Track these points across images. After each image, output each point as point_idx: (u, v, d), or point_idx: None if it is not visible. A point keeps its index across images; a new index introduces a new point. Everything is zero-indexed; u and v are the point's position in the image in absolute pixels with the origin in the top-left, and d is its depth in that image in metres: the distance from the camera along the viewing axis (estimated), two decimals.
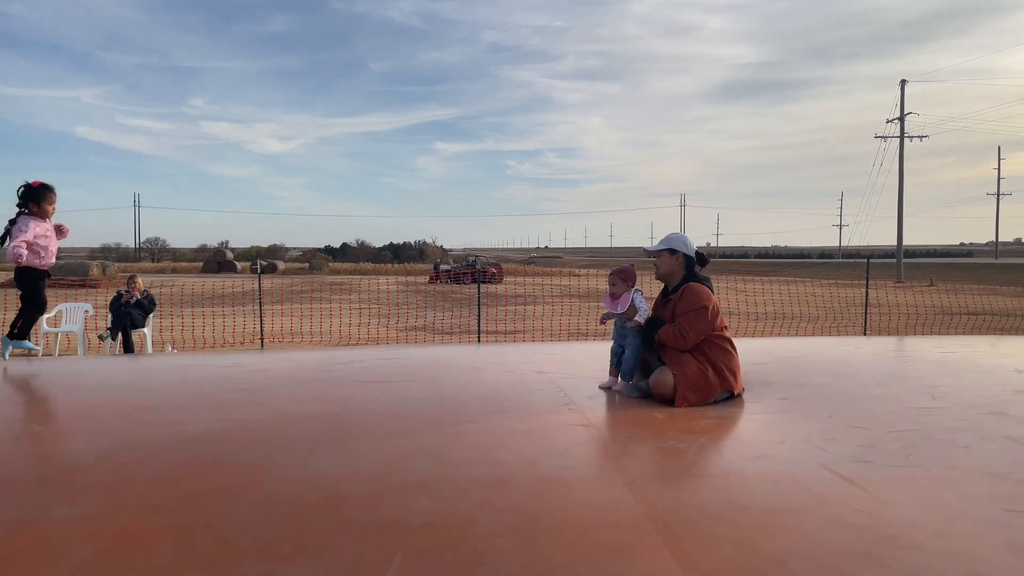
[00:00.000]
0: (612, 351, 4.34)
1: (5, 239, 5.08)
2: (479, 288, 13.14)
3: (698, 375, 3.87)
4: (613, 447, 3.10)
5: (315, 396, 4.12)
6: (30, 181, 5.18)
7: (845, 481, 2.56)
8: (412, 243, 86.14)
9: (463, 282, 33.67)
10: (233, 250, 71.67)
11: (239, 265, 54.34)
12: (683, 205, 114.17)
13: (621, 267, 4.27)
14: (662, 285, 4.33)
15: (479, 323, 12.15)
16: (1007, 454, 2.89)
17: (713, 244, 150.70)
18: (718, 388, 3.93)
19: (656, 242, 4.29)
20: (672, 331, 4.00)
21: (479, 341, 11.64)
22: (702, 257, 4.26)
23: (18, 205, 5.16)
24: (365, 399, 4.00)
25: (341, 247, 79.35)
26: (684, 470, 2.78)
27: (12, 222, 5.13)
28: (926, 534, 2.09)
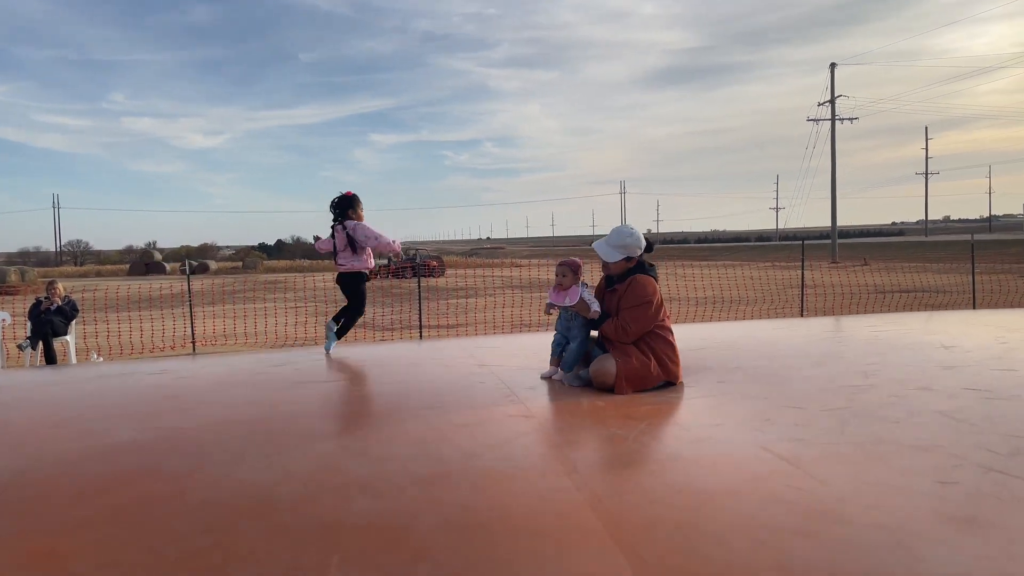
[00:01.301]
0: (555, 343, 4.29)
1: (352, 241, 5.27)
2: (419, 282, 12.98)
3: (641, 366, 3.88)
4: (554, 436, 3.09)
5: (246, 400, 3.98)
6: (344, 192, 5.42)
7: (781, 460, 2.60)
8: None
9: (403, 276, 33.35)
10: (161, 250, 69.45)
11: (168, 266, 52.61)
12: (623, 192, 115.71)
13: (571, 260, 4.20)
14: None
15: (420, 318, 12.03)
16: (935, 428, 2.98)
17: (653, 231, 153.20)
18: (659, 378, 3.95)
19: (606, 233, 4.24)
20: (615, 326, 3.98)
21: (420, 337, 11.53)
22: (649, 244, 4.26)
23: (337, 215, 5.36)
24: (299, 401, 3.88)
25: (276, 244, 77.51)
26: (625, 457, 2.78)
27: (343, 227, 5.29)
28: (858, 508, 2.13)
